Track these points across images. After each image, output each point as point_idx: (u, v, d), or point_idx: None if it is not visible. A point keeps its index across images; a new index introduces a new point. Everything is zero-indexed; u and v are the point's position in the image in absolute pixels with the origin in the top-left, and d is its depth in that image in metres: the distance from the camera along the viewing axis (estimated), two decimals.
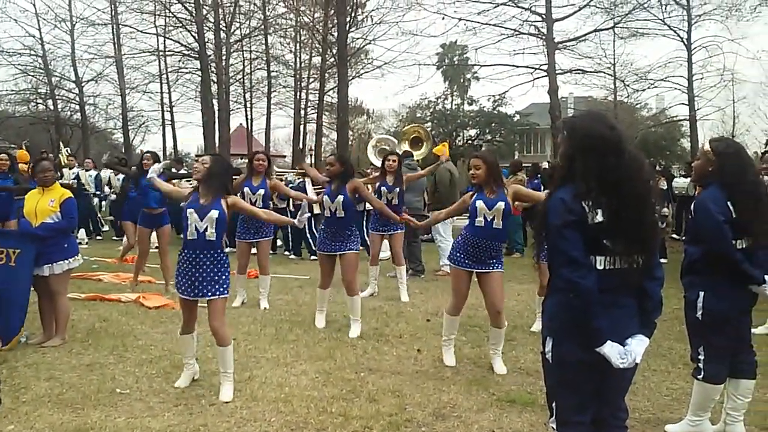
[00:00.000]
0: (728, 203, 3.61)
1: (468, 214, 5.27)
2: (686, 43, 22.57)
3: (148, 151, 8.97)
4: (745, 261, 3.62)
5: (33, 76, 29.61)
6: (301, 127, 32.30)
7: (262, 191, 7.30)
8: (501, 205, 5.07)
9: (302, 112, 31.93)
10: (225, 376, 4.61)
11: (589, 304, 2.52)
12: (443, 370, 5.23)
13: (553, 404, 2.75)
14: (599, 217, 2.53)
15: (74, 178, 13.88)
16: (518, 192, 5.32)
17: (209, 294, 4.51)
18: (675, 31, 22.44)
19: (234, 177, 6.85)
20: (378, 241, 8.50)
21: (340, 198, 6.29)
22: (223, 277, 4.54)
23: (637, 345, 2.58)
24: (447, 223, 10.12)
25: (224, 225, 4.54)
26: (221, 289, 4.53)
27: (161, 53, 28.09)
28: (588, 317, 2.52)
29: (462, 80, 42.87)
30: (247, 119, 32.62)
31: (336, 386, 4.77)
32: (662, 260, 11.35)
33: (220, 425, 4.04)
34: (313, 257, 11.82)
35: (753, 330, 6.00)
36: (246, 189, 7.26)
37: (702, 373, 3.77)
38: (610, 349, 2.51)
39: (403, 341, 6.10)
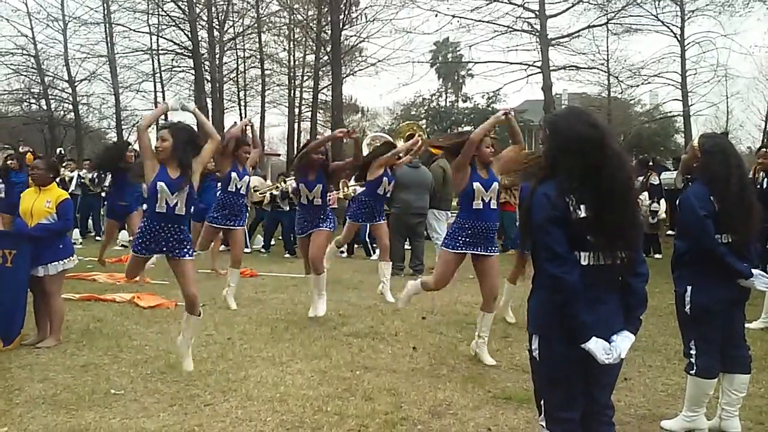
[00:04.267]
0: (711, 198, 3.65)
1: (460, 200, 5.30)
2: (679, 38, 22.59)
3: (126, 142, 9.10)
4: (730, 255, 3.67)
5: (26, 75, 29.38)
6: (296, 125, 32.22)
7: (247, 178, 7.34)
8: (496, 184, 5.20)
9: (296, 110, 31.83)
10: (189, 345, 4.88)
11: (573, 299, 2.53)
12: (439, 368, 5.23)
13: (542, 401, 2.76)
14: (582, 213, 2.54)
15: (79, 180, 14.00)
16: (504, 162, 5.36)
17: (177, 254, 4.75)
18: (668, 27, 22.46)
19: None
20: (352, 229, 8.11)
21: (319, 186, 6.48)
22: (189, 243, 4.81)
23: (622, 341, 2.59)
24: (441, 219, 10.16)
25: (193, 200, 4.66)
26: (190, 251, 4.79)
27: (154, 52, 27.95)
28: (573, 313, 2.54)
29: (456, 77, 42.78)
30: (241, 118, 32.42)
31: (331, 385, 4.77)
32: (657, 256, 11.47)
33: (215, 425, 4.03)
34: None
35: (747, 325, 6.03)
36: (233, 174, 7.20)
37: (695, 368, 3.79)
38: (595, 345, 2.52)
39: (399, 339, 6.10)
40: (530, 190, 2.75)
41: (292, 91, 30.98)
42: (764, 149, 6.61)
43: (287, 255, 12.25)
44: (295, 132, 32.15)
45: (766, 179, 6.23)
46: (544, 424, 2.75)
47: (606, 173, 2.56)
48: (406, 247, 10.57)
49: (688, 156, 4.02)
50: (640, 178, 12.42)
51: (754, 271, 3.72)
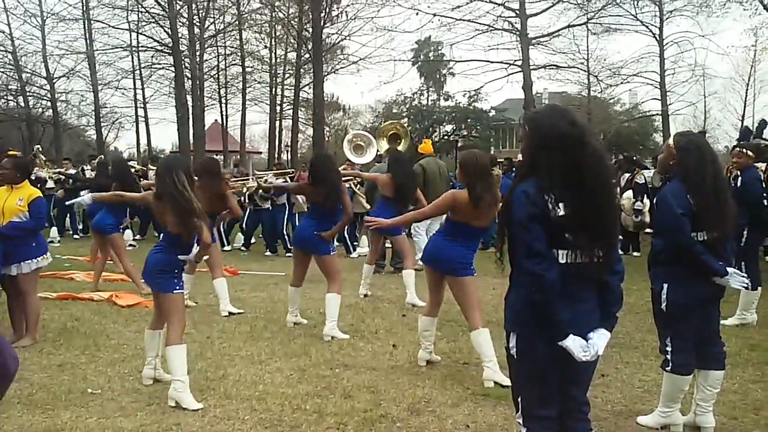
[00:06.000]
0: (688, 196, 3.69)
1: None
2: (658, 38, 22.88)
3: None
4: (706, 253, 3.70)
5: (3, 72, 29.05)
6: (277, 123, 32.15)
7: None
8: None
9: (278, 108, 31.78)
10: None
11: (551, 297, 2.54)
12: (418, 365, 5.23)
13: (519, 399, 2.76)
14: (561, 211, 2.55)
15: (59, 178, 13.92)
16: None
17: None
18: (647, 27, 22.77)
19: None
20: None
21: None
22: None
23: (599, 338, 2.61)
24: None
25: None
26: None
27: (134, 49, 27.74)
28: (550, 311, 2.55)
29: (438, 76, 42.91)
30: (222, 115, 32.37)
31: (311, 383, 4.76)
32: (635, 254, 11.55)
33: (193, 424, 4.01)
34: (288, 254, 11.79)
35: (723, 321, 6.11)
36: None
37: (670, 364, 3.83)
38: (572, 343, 2.54)
39: (379, 337, 6.10)
40: (509, 187, 2.76)
41: (274, 89, 30.92)
42: (737, 148, 6.68)
43: (268, 253, 12.20)
44: (277, 130, 32.08)
45: (739, 178, 6.31)
46: (521, 421, 2.76)
47: (586, 171, 2.56)
48: (387, 245, 10.57)
49: (664, 155, 4.05)
50: (627, 176, 12.51)
51: (729, 269, 3.76)
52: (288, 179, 12.43)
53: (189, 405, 4.25)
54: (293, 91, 29.05)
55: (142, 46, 27.31)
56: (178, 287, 4.48)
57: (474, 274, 4.95)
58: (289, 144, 30.32)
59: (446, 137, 39.49)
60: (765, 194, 6.58)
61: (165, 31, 23.90)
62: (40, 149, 16.36)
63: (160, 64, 28.13)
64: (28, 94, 29.72)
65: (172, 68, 24.89)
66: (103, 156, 16.03)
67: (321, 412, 4.18)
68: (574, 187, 2.55)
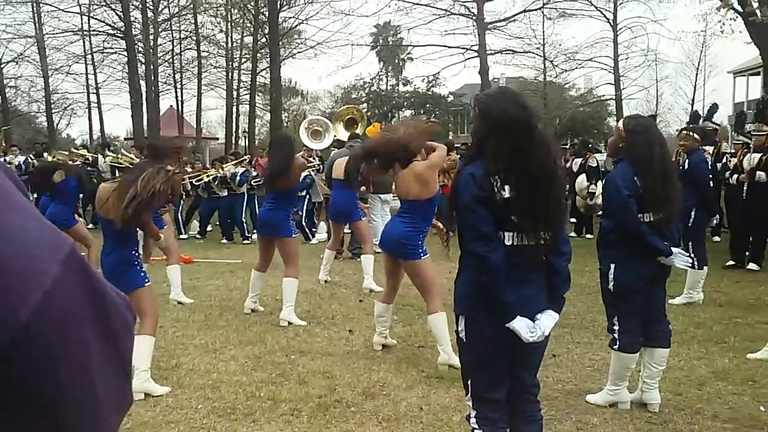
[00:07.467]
0: (636, 178, 3.76)
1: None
2: (612, 23, 23.24)
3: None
4: (651, 234, 3.78)
5: None
6: (234, 108, 31.71)
7: None
8: None
9: (235, 93, 31.32)
10: None
11: (498, 279, 2.56)
12: (374, 350, 5.25)
13: (468, 382, 2.79)
14: (506, 194, 2.57)
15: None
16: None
17: None
18: (601, 12, 23.09)
19: None
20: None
21: None
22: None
23: (546, 319, 2.65)
24: (377, 204, 10.11)
25: None
26: None
27: (85, 33, 26.98)
28: (497, 293, 2.57)
29: (396, 61, 42.81)
30: (177, 101, 31.77)
31: (265, 370, 4.74)
32: (588, 236, 11.76)
33: (144, 414, 3.96)
34: (245, 242, 11.70)
35: (671, 300, 6.30)
36: None
37: (618, 343, 3.92)
38: (519, 324, 2.56)
39: (335, 322, 6.10)
40: (458, 170, 2.77)
41: (230, 74, 30.43)
42: (684, 131, 6.83)
43: (224, 241, 12.06)
44: (234, 115, 31.64)
45: (687, 161, 6.47)
46: (471, 404, 2.80)
47: (531, 156, 2.59)
48: (346, 231, 10.56)
49: (613, 138, 4.13)
50: (579, 160, 12.71)
51: (673, 249, 3.86)
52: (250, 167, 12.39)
53: (158, 392, 4.27)
54: (250, 75, 28.70)
55: (93, 30, 26.57)
56: (147, 280, 4.43)
57: (426, 255, 4.96)
58: (247, 130, 29.93)
59: None
60: (711, 176, 6.75)
61: (117, 14, 23.30)
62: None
63: (112, 48, 27.42)
64: None
65: (125, 53, 24.29)
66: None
67: (275, 399, 4.17)
68: (520, 171, 2.58)
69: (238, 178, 11.97)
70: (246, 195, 12.09)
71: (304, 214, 11.75)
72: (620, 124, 4.06)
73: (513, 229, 2.62)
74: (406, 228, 4.85)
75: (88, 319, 0.60)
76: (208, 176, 12.07)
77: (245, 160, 13.16)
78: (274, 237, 6.23)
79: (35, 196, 8.51)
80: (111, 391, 0.64)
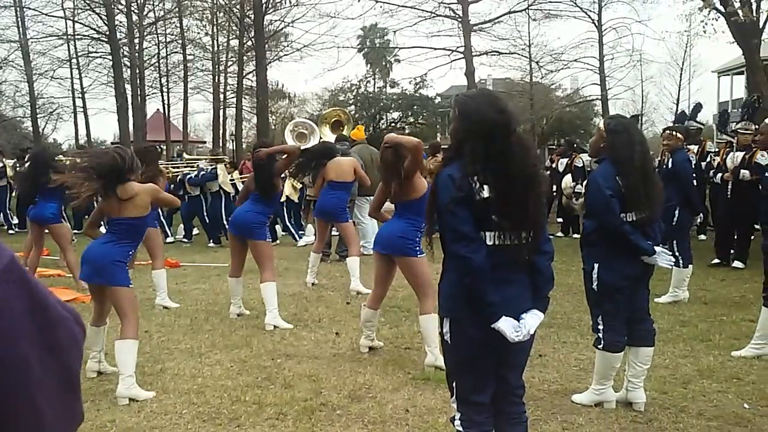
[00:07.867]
0: (617, 178, 3.77)
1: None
2: (597, 24, 23.34)
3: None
4: (634, 233, 3.80)
5: None
6: (221, 111, 31.61)
7: None
8: None
9: (221, 96, 31.22)
10: None
11: (480, 279, 2.55)
12: (360, 353, 5.23)
13: (453, 384, 2.78)
14: (486, 194, 2.57)
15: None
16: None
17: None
18: (586, 13, 23.17)
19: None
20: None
21: None
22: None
23: (531, 319, 2.64)
24: (364, 204, 10.09)
25: None
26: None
27: (70, 37, 26.80)
28: (480, 293, 2.56)
29: (383, 63, 42.81)
30: (163, 104, 31.59)
31: (251, 374, 4.71)
32: (575, 235, 11.78)
33: (128, 420, 3.93)
34: None
35: (657, 299, 6.33)
36: None
37: (602, 342, 3.92)
38: (504, 324, 2.55)
39: (322, 325, 6.08)
40: (437, 171, 2.77)
41: (217, 77, 30.34)
42: (668, 131, 6.87)
43: (211, 244, 11.99)
44: (221, 119, 31.54)
45: (670, 160, 6.50)
46: (455, 406, 2.79)
47: (510, 159, 2.59)
48: (334, 233, 10.53)
49: (594, 138, 4.15)
50: (565, 160, 12.76)
51: (657, 248, 3.88)
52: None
53: (143, 397, 4.22)
54: (237, 79, 28.60)
55: (78, 35, 26.36)
56: (130, 282, 4.42)
57: (423, 255, 4.94)
58: (234, 133, 29.85)
59: (393, 124, 39.49)
60: (695, 175, 6.79)
61: (101, 18, 23.15)
62: None
63: (97, 52, 27.20)
64: None
65: (110, 57, 24.14)
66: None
67: (260, 403, 4.15)
68: (498, 173, 2.58)
69: (189, 178, 11.89)
70: (223, 195, 11.99)
71: (286, 217, 11.75)
72: (601, 124, 4.09)
73: (494, 228, 2.62)
74: (406, 225, 4.89)
75: (27, 333, 0.57)
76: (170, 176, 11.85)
77: (224, 159, 13.10)
78: (246, 237, 6.20)
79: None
80: (56, 406, 0.61)
